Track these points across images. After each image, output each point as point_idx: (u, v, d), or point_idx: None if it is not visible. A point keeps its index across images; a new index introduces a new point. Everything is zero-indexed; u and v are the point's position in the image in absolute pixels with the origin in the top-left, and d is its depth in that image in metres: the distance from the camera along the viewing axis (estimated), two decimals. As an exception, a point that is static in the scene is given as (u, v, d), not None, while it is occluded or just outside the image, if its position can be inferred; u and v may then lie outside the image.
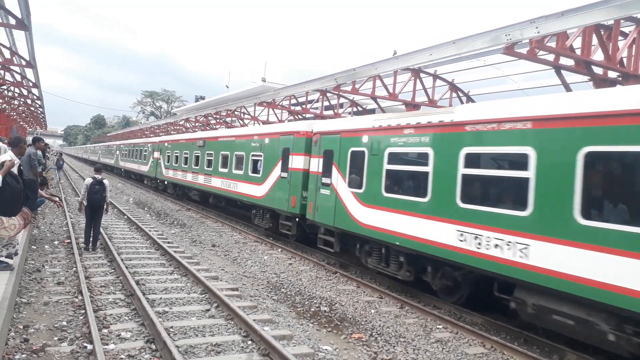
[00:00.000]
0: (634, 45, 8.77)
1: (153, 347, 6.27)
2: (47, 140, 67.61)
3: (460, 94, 14.89)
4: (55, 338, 6.42)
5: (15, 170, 7.93)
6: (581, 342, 7.39)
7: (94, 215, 11.75)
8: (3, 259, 8.08)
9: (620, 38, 8.74)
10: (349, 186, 11.12)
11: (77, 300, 7.95)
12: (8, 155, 8.18)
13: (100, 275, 9.60)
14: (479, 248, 7.56)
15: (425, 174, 8.79)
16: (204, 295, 8.69)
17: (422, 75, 14.12)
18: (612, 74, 9.16)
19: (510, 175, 7.47)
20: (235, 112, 25.47)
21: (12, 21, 11.95)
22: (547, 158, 6.72)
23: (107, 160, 53.97)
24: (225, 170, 18.70)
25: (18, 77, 20.58)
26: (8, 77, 20.34)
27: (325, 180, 12.13)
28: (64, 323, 6.95)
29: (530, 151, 6.91)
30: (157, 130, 43.86)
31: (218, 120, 29.64)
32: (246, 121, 26.37)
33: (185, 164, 24.05)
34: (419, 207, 8.92)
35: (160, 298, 8.28)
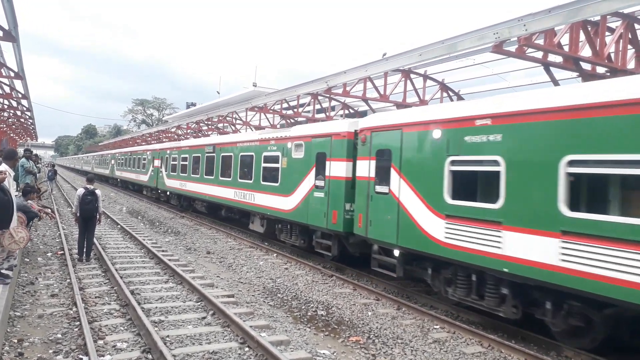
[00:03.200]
0: (620, 41, 8.82)
1: (149, 357, 6.22)
2: (38, 152, 66.92)
3: (451, 94, 14.93)
4: (51, 351, 6.36)
5: (10, 182, 7.93)
6: (578, 338, 7.39)
7: (87, 226, 11.68)
8: (4, 271, 8.06)
9: (607, 34, 8.80)
10: None
11: (71, 312, 7.88)
12: (2, 168, 8.12)
13: (94, 286, 9.52)
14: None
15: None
16: (199, 303, 8.64)
17: (412, 75, 14.16)
18: (600, 70, 9.22)
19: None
20: (227, 118, 25.42)
21: (-1, 33, 11.85)
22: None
23: (129, 175, 36.86)
24: None
25: (7, 89, 20.43)
26: (-4, 89, 20.17)
27: None
28: (59, 335, 6.89)
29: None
30: (149, 138, 43.65)
31: (210, 127, 29.57)
32: (238, 127, 26.32)
33: None
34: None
35: (156, 307, 8.22)
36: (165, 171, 26.27)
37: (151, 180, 29.66)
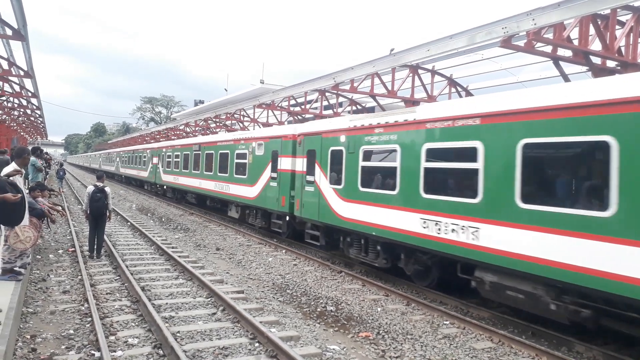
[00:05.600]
0: (631, 34, 8.74)
1: (160, 352, 6.27)
2: (48, 150, 66.97)
3: (459, 89, 14.86)
4: (63, 347, 6.43)
5: (21, 180, 8.01)
6: (588, 334, 7.35)
7: (97, 223, 11.76)
8: (17, 268, 8.15)
9: (617, 27, 8.72)
10: None
11: (83, 308, 7.96)
12: (12, 167, 8.19)
13: (105, 283, 9.61)
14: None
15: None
16: (209, 299, 8.69)
17: (420, 71, 14.10)
18: (610, 64, 9.14)
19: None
20: (235, 115, 25.50)
21: (9, 32, 11.94)
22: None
23: (194, 182, 22.99)
24: None
25: (17, 88, 20.61)
26: (7, 88, 20.35)
27: None
28: (71, 331, 6.96)
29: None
30: (158, 136, 43.84)
31: (218, 124, 29.65)
32: (246, 124, 26.38)
33: None
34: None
35: (166, 303, 8.28)
36: (343, 184, 11.51)
37: (268, 195, 15.34)
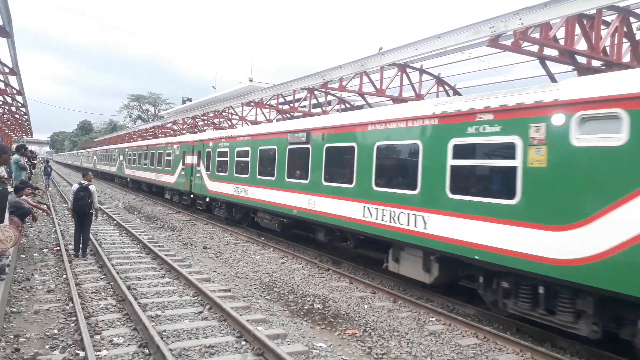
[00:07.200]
0: (616, 34, 8.84)
1: (146, 351, 6.23)
2: (33, 147, 65.96)
3: (447, 88, 14.92)
4: (47, 346, 6.36)
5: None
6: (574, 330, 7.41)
7: (82, 221, 11.65)
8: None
9: (603, 27, 8.81)
10: None
11: (68, 307, 7.88)
12: None
13: (90, 282, 9.52)
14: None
15: None
16: (196, 298, 8.65)
17: (408, 70, 14.13)
18: (596, 63, 9.24)
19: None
20: (223, 113, 25.39)
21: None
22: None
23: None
24: None
25: (1, 85, 20.32)
26: (-9, 85, 20.07)
27: None
28: (55, 331, 6.88)
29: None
30: (145, 134, 43.51)
31: (206, 122, 29.51)
32: (234, 122, 26.29)
33: None
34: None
35: (153, 302, 8.23)
36: None
37: None
